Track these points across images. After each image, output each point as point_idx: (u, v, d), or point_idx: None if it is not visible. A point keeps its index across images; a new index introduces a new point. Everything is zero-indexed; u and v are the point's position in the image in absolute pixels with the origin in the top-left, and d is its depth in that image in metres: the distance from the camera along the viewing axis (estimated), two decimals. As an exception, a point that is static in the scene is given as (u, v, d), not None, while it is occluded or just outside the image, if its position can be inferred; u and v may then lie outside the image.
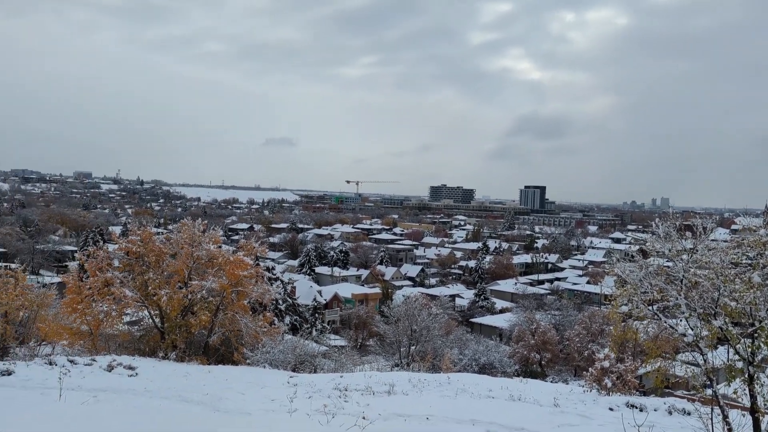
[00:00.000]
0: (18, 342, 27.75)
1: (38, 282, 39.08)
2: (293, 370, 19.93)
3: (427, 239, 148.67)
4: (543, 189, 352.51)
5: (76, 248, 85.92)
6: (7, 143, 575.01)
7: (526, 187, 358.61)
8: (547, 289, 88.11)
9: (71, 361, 16.36)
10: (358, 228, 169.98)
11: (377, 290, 77.09)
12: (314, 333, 43.35)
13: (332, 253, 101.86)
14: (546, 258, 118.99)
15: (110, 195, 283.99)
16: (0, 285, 28.12)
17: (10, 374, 14.54)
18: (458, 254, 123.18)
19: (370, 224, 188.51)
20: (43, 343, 26.61)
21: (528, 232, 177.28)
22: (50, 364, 16.12)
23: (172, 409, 11.62)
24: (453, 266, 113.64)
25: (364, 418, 9.54)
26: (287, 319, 43.01)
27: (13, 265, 34.24)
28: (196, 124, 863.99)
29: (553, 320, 49.02)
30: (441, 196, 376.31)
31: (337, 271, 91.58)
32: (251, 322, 23.99)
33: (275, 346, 22.01)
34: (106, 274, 24.04)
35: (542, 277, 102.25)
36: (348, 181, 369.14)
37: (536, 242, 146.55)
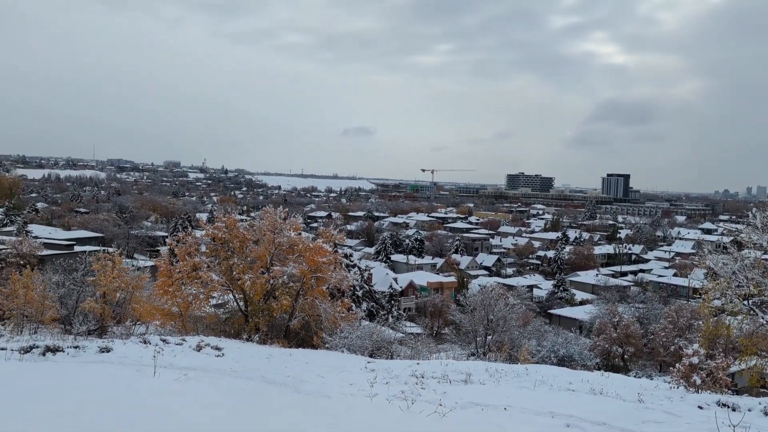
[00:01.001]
0: (115, 321, 29.72)
1: (133, 265, 41.56)
2: (370, 356, 20.25)
3: (503, 228, 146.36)
4: (627, 177, 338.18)
5: (166, 234, 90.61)
6: (104, 135, 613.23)
7: (608, 175, 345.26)
8: (630, 281, 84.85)
9: (164, 341, 17.34)
10: (433, 216, 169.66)
11: (452, 279, 76.78)
12: (390, 320, 43.77)
13: (407, 241, 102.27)
14: (629, 249, 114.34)
15: (197, 183, 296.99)
16: (99, 268, 30.21)
17: (109, 351, 15.61)
18: (536, 244, 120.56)
19: (445, 213, 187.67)
20: (138, 322, 28.39)
21: (610, 222, 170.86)
22: (144, 342, 17.17)
23: (256, 389, 12.09)
24: (530, 256, 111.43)
25: (440, 405, 9.60)
26: (364, 306, 43.67)
27: (110, 249, 36.57)
28: (278, 114, 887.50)
29: (636, 313, 47.21)
30: (518, 184, 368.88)
31: (413, 259, 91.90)
32: (330, 308, 24.54)
33: (353, 331, 22.43)
34: (195, 258, 25.25)
35: (625, 268, 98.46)
36: (423, 170, 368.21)
37: (619, 232, 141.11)
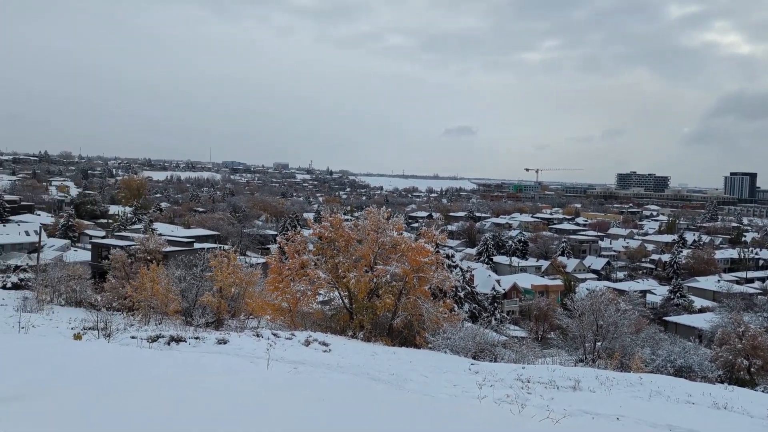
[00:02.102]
0: (230, 314, 31.53)
1: (246, 262, 43.82)
2: (473, 358, 20.05)
3: (613, 230, 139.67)
4: (753, 176, 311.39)
5: (276, 232, 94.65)
6: (219, 139, 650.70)
7: (731, 173, 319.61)
8: (757, 288, 78.00)
9: (275, 335, 18.14)
10: (537, 217, 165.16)
11: (558, 282, 74.32)
12: (493, 322, 43.05)
13: (510, 242, 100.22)
14: (756, 253, 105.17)
15: (304, 184, 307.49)
16: (216, 264, 32.16)
17: (225, 343, 16.56)
18: (649, 247, 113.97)
19: (551, 213, 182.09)
20: (250, 316, 29.91)
21: (734, 224, 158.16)
22: (257, 336, 18.05)
23: (361, 385, 12.33)
24: (643, 260, 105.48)
25: (548, 410, 9.33)
26: (466, 307, 43.29)
27: (225, 247, 38.74)
28: (380, 116, 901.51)
29: (765, 323, 43.35)
30: (630, 184, 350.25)
31: (516, 261, 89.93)
32: (432, 308, 24.58)
33: (455, 332, 22.31)
34: (303, 256, 26.20)
35: (751, 274, 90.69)
36: (527, 169, 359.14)
37: (744, 235, 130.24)
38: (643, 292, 70.64)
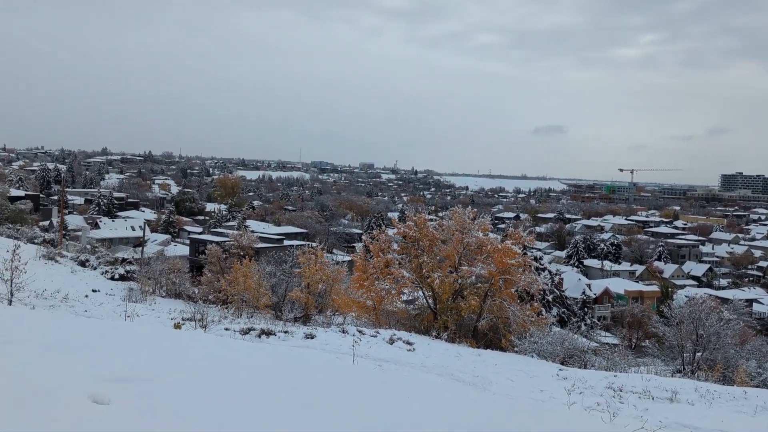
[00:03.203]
0: (317, 310, 32.31)
1: (332, 260, 44.79)
2: (561, 363, 19.46)
3: (716, 235, 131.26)
4: None
5: (361, 231, 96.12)
6: (308, 139, 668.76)
7: None
8: None
9: (360, 331, 18.43)
10: (631, 220, 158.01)
11: (654, 288, 70.79)
12: (583, 327, 41.66)
13: (602, 245, 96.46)
14: None
15: (389, 184, 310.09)
16: (304, 261, 33.07)
17: (313, 338, 17.02)
18: (756, 253, 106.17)
19: (646, 216, 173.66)
20: (336, 313, 30.53)
21: None
22: (343, 332, 18.42)
23: (445, 386, 12.29)
24: (749, 267, 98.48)
25: (641, 420, 8.91)
26: (554, 311, 42.13)
27: (313, 244, 39.74)
28: (466, 115, 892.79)
29: None
30: (735, 185, 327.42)
31: (608, 265, 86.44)
32: (519, 311, 24.10)
33: (543, 336, 21.75)
34: (387, 255, 26.45)
35: None
36: (621, 170, 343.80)
37: None
38: (750, 302, 65.88)
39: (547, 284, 41.55)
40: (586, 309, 53.40)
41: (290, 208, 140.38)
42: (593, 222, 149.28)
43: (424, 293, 25.98)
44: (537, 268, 38.55)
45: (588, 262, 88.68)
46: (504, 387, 13.42)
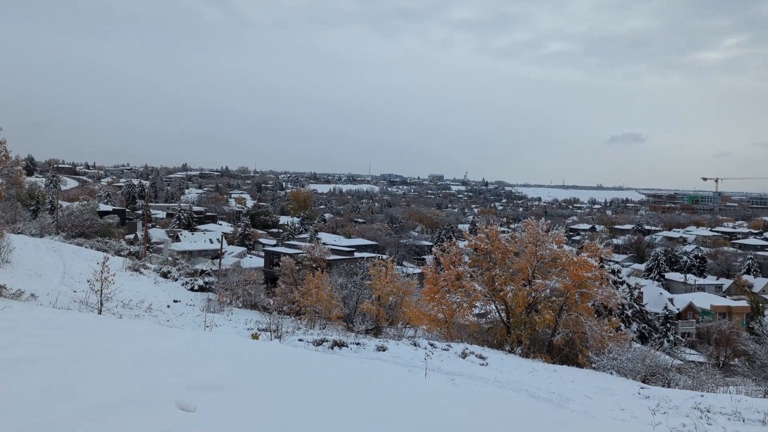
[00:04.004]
0: (388, 322, 32.43)
1: (402, 272, 44.89)
2: (643, 381, 18.62)
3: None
4: None
5: (431, 243, 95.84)
6: (378, 152, 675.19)
7: None
8: None
9: (431, 345, 18.33)
10: (717, 231, 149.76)
11: (743, 303, 66.61)
12: (665, 344, 39.73)
13: (685, 258, 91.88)
14: None
15: (459, 195, 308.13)
16: (375, 273, 33.31)
17: (384, 350, 17.06)
18: None
19: (733, 227, 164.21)
20: (407, 325, 30.52)
21: None
22: (414, 345, 18.36)
23: (520, 402, 12.02)
24: None
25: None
26: (634, 326, 40.42)
27: (383, 257, 40.01)
28: (538, 125, 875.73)
29: None
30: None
31: (692, 279, 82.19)
32: (596, 326, 23.26)
33: (622, 353, 20.88)
34: (458, 268, 26.21)
35: None
36: (705, 178, 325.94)
37: None
38: None
39: (626, 298, 39.92)
40: (668, 325, 50.94)
41: (360, 220, 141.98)
42: (674, 233, 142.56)
43: (496, 306, 25.54)
44: (615, 282, 37.17)
45: (669, 275, 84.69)
46: (582, 404, 12.97)
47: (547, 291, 23.94)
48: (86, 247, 48.22)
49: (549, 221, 27.39)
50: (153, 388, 5.48)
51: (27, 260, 34.71)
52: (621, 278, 45.60)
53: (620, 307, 35.48)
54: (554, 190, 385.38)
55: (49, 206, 77.14)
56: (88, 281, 21.81)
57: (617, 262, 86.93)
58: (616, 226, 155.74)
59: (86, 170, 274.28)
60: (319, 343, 17.30)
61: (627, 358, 20.23)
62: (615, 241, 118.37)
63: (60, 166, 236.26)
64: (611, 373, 19.49)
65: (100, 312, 20.92)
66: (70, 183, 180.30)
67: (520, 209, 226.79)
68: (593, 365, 20.93)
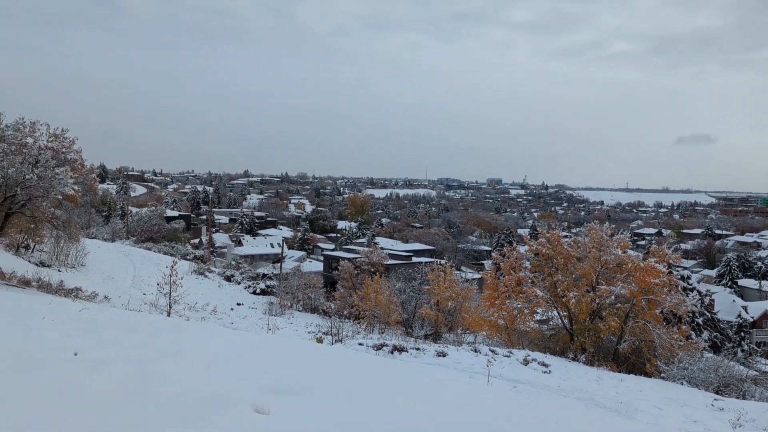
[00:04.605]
0: (447, 328, 32.25)
1: (461, 277, 44.56)
2: (716, 392, 17.81)
3: None
4: None
5: (489, 248, 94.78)
6: (434, 156, 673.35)
7: None
8: None
9: (492, 351, 18.12)
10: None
11: (826, 312, 62.66)
12: (739, 354, 37.86)
13: (759, 264, 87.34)
14: None
15: (518, 199, 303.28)
16: (433, 278, 33.21)
17: (444, 356, 16.98)
18: None
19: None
20: (467, 331, 30.26)
21: None
22: (475, 351, 18.19)
23: (585, 411, 11.73)
24: None
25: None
26: (705, 335, 38.70)
27: (441, 261, 39.83)
28: (600, 127, 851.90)
29: None
30: None
31: (767, 286, 78.01)
32: (664, 334, 22.41)
33: (693, 362, 20.04)
34: (519, 273, 25.80)
35: None
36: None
37: None
38: None
39: (696, 306, 38.33)
40: (742, 333, 48.49)
41: (417, 225, 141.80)
42: (747, 238, 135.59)
43: (558, 313, 24.98)
44: (684, 288, 35.76)
45: (743, 282, 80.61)
46: (651, 416, 12.54)
47: (612, 297, 23.24)
48: (154, 252, 50.24)
49: (613, 225, 26.61)
50: (227, 390, 5.67)
51: (100, 264, 36.50)
52: (691, 285, 43.79)
53: (690, 314, 34.11)
54: (617, 193, 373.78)
55: (120, 212, 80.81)
56: (158, 284, 22.75)
57: (686, 268, 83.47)
58: (685, 231, 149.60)
59: (153, 177, 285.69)
60: (379, 347, 17.39)
61: (698, 368, 19.41)
62: (683, 246, 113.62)
63: (129, 173, 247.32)
64: (682, 384, 18.75)
65: (168, 314, 21.74)
66: (138, 189, 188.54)
67: (582, 213, 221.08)
68: (662, 375, 20.19)
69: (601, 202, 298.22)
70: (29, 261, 29.10)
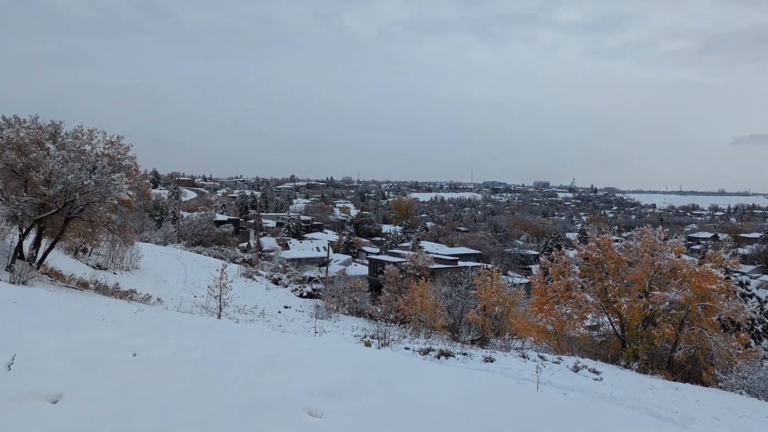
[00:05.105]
0: (494, 333, 31.91)
1: (508, 282, 44.04)
2: (779, 404, 17.04)
3: None
4: None
5: (536, 252, 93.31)
6: (480, 160, 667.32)
7: None
8: None
9: (541, 357, 17.83)
10: None
11: None
12: (802, 364, 36.12)
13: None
14: None
15: (566, 203, 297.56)
16: (480, 282, 32.93)
17: (492, 361, 16.80)
18: None
19: None
20: (514, 336, 29.88)
21: None
22: (523, 357, 17.94)
23: (639, 421, 11.41)
24: None
25: None
26: (765, 343, 37.07)
27: (488, 266, 39.46)
28: (651, 128, 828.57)
29: None
30: None
31: (834, 292, 74.20)
32: (722, 341, 21.62)
33: (753, 371, 19.24)
34: (568, 278, 25.33)
35: None
36: None
37: None
38: None
39: (756, 312, 36.83)
40: (805, 343, 46.22)
41: (463, 228, 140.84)
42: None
43: (609, 319, 24.40)
44: (743, 295, 34.39)
45: (806, 288, 76.94)
46: (709, 426, 12.10)
47: (666, 303, 22.58)
48: (205, 255, 51.50)
49: (666, 229, 25.86)
50: (280, 393, 5.77)
51: (153, 266, 37.64)
52: (750, 290, 41.98)
53: (749, 321, 32.81)
54: (670, 196, 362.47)
55: (172, 216, 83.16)
56: (208, 287, 23.30)
57: (744, 274, 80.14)
58: (742, 235, 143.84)
59: (203, 182, 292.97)
60: (425, 352, 17.35)
61: (758, 377, 18.63)
62: (741, 250, 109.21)
63: (180, 178, 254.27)
64: (740, 393, 18.03)
65: (219, 316, 22.24)
66: (189, 194, 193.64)
67: (633, 217, 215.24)
68: (720, 384, 19.46)
69: (653, 206, 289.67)
70: (87, 264, 30.28)
